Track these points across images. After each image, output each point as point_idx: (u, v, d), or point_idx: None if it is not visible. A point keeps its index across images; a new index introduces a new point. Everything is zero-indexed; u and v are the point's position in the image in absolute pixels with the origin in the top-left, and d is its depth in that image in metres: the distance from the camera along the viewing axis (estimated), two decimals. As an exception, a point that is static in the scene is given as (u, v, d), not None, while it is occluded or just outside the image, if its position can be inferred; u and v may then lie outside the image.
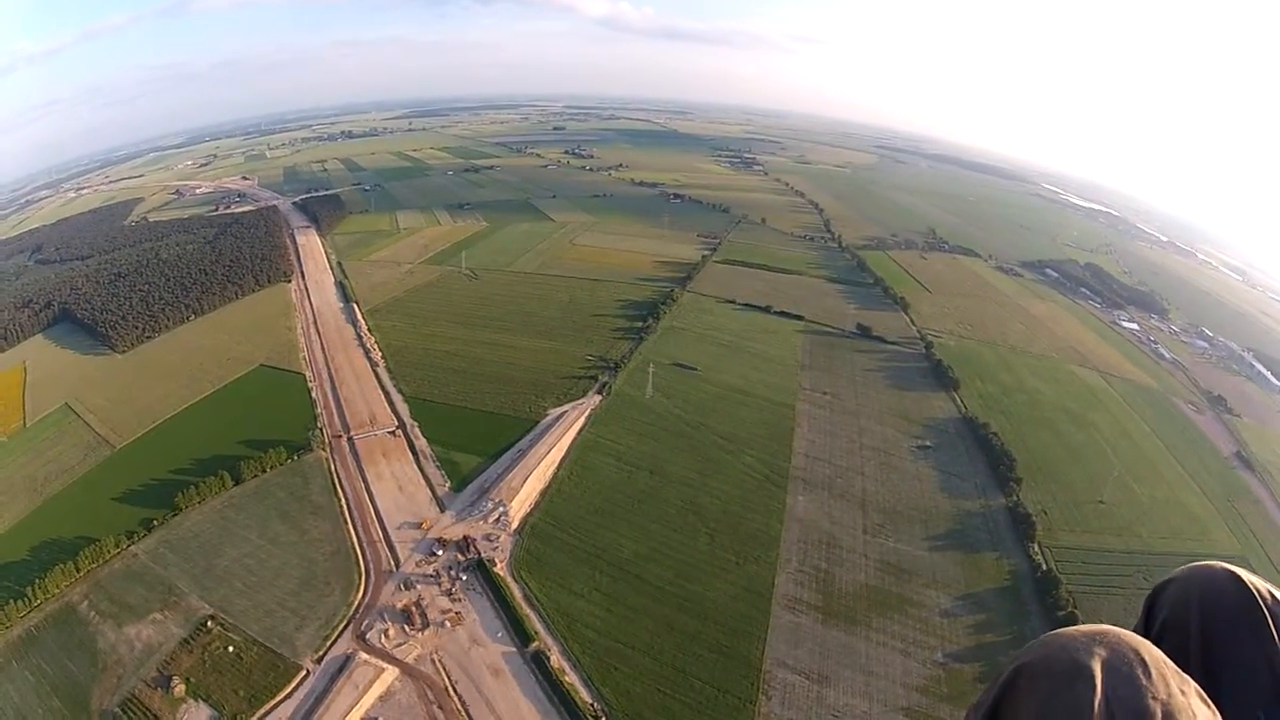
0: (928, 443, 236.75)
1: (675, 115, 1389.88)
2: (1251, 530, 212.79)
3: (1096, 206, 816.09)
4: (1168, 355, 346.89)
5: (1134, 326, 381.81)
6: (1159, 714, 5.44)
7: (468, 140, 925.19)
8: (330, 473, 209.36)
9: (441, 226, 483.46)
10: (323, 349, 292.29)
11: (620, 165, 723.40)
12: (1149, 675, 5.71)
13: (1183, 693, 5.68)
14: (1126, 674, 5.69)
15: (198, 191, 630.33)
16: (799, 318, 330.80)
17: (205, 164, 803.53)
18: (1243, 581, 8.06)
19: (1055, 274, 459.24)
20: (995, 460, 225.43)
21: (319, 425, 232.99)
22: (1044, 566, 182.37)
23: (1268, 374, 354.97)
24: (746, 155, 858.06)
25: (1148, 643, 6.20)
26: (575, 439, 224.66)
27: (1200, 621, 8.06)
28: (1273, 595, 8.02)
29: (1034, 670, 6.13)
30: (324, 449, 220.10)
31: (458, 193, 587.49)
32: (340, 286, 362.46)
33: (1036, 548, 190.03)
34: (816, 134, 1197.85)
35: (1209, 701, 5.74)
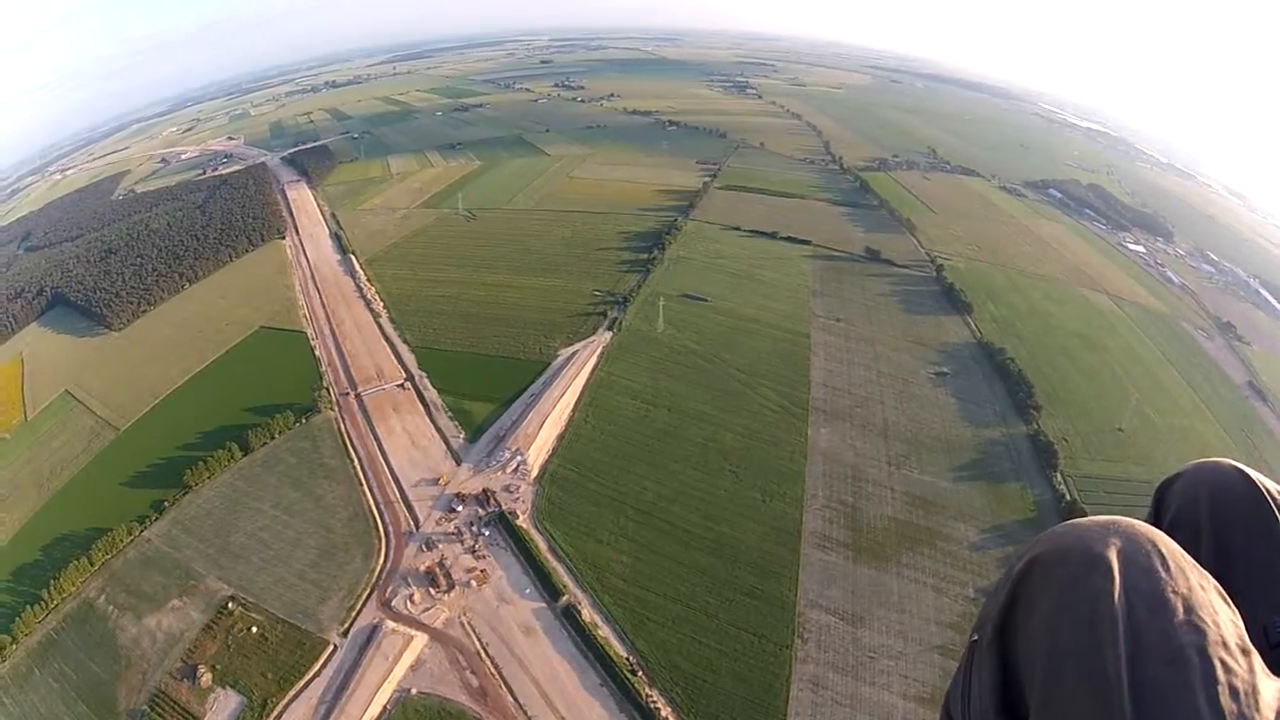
0: (945, 369, 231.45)
1: (664, 43, 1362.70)
2: (1267, 462, 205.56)
3: (1095, 126, 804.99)
4: (1175, 279, 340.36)
5: (1140, 249, 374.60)
6: (1179, 608, 5.30)
7: (455, 80, 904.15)
8: (340, 433, 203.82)
9: (434, 168, 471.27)
10: (323, 304, 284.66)
11: (611, 95, 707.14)
12: (1168, 568, 5.55)
13: (1202, 588, 5.52)
14: (1145, 565, 5.55)
15: (183, 157, 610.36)
16: (806, 242, 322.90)
17: (189, 129, 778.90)
18: (1250, 478, 7.60)
19: (1059, 194, 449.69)
20: (1013, 386, 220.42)
21: (325, 384, 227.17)
22: (1068, 496, 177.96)
23: (1274, 301, 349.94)
24: (739, 79, 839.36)
25: (1164, 535, 5.96)
26: (589, 379, 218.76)
27: (1211, 518, 7.70)
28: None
29: (1049, 561, 5.88)
30: (332, 409, 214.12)
31: (448, 133, 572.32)
32: (336, 238, 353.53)
33: (1059, 477, 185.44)
34: (809, 56, 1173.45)
35: (1228, 600, 5.58)
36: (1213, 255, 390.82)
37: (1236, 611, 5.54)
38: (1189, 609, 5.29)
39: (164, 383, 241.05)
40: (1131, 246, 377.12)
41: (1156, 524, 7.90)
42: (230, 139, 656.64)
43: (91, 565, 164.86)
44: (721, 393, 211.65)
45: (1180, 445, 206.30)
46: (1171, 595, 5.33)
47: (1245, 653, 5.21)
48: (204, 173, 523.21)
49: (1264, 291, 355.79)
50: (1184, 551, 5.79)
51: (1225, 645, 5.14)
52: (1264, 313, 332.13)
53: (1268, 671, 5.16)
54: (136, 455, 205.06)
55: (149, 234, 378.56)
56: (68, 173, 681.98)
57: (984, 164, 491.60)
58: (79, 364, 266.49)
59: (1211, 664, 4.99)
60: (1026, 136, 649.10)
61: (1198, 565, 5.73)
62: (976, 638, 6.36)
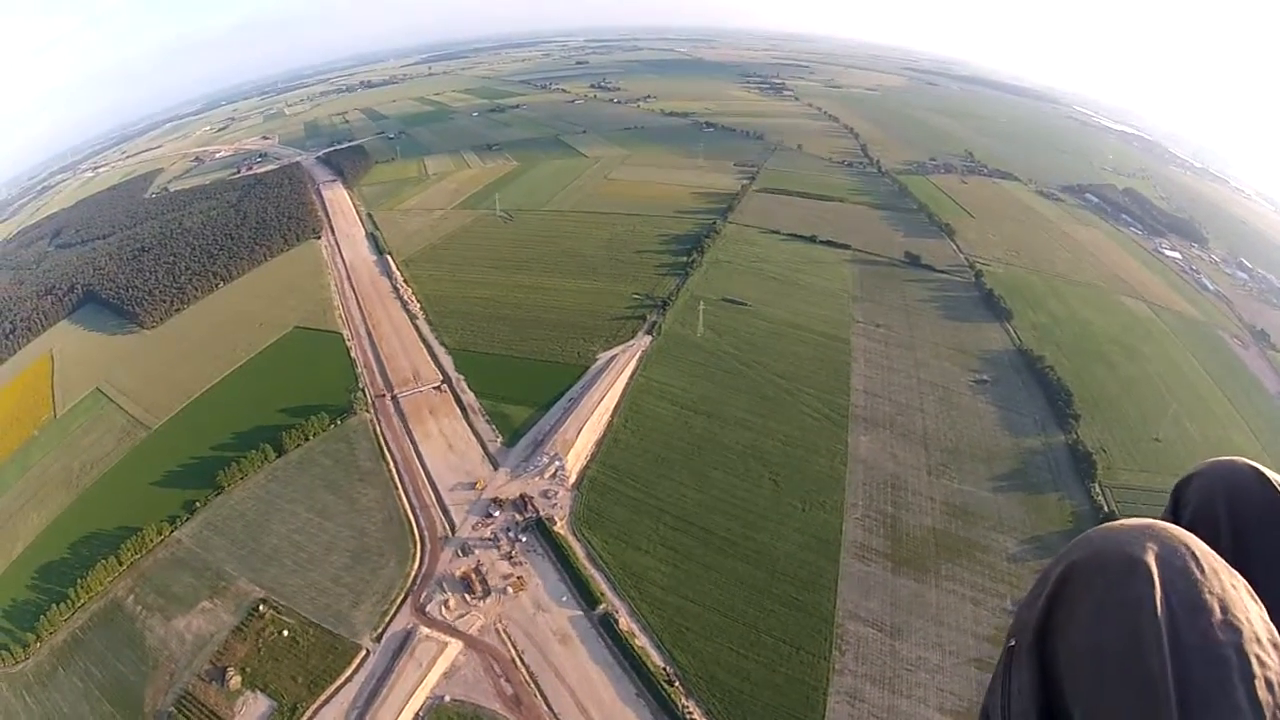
0: (985, 376, 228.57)
1: (699, 43, 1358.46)
2: None
3: (1128, 129, 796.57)
4: (1210, 286, 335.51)
5: (1177, 255, 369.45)
6: (1216, 608, 5.47)
7: (490, 80, 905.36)
8: (376, 435, 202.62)
9: (471, 169, 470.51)
10: (359, 305, 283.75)
11: (648, 96, 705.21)
12: (1202, 570, 5.73)
13: (1234, 587, 5.73)
14: (1180, 567, 5.71)
15: (217, 156, 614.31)
16: (846, 247, 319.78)
17: (224, 128, 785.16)
18: (1265, 477, 7.66)
19: (1095, 199, 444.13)
20: (1052, 395, 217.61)
21: (360, 386, 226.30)
22: (1106, 508, 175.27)
23: None
24: (775, 81, 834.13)
25: (1194, 537, 6.09)
26: (628, 384, 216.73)
27: (1229, 516, 7.65)
28: None
29: (1087, 567, 5.98)
30: (367, 410, 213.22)
31: (485, 134, 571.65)
32: (372, 239, 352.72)
33: (1097, 488, 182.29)
34: (844, 57, 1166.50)
35: (1257, 599, 5.79)
36: (1246, 262, 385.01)
37: (1264, 608, 5.74)
38: (1224, 608, 5.47)
39: (197, 382, 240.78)
40: (1168, 253, 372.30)
41: (1175, 521, 7.78)
42: (265, 138, 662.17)
43: (120, 565, 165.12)
44: (761, 399, 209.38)
45: (1216, 456, 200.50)
46: (1208, 596, 5.52)
47: (1277, 647, 5.42)
48: (238, 172, 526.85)
49: None
50: (1213, 552, 5.96)
51: (1259, 641, 5.35)
52: None
53: None
54: (168, 454, 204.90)
55: (182, 232, 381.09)
56: (100, 170, 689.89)
57: (1020, 168, 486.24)
58: (110, 362, 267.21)
59: (1248, 660, 5.20)
60: (1061, 140, 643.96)
61: (1228, 565, 5.92)
62: (1014, 643, 6.42)
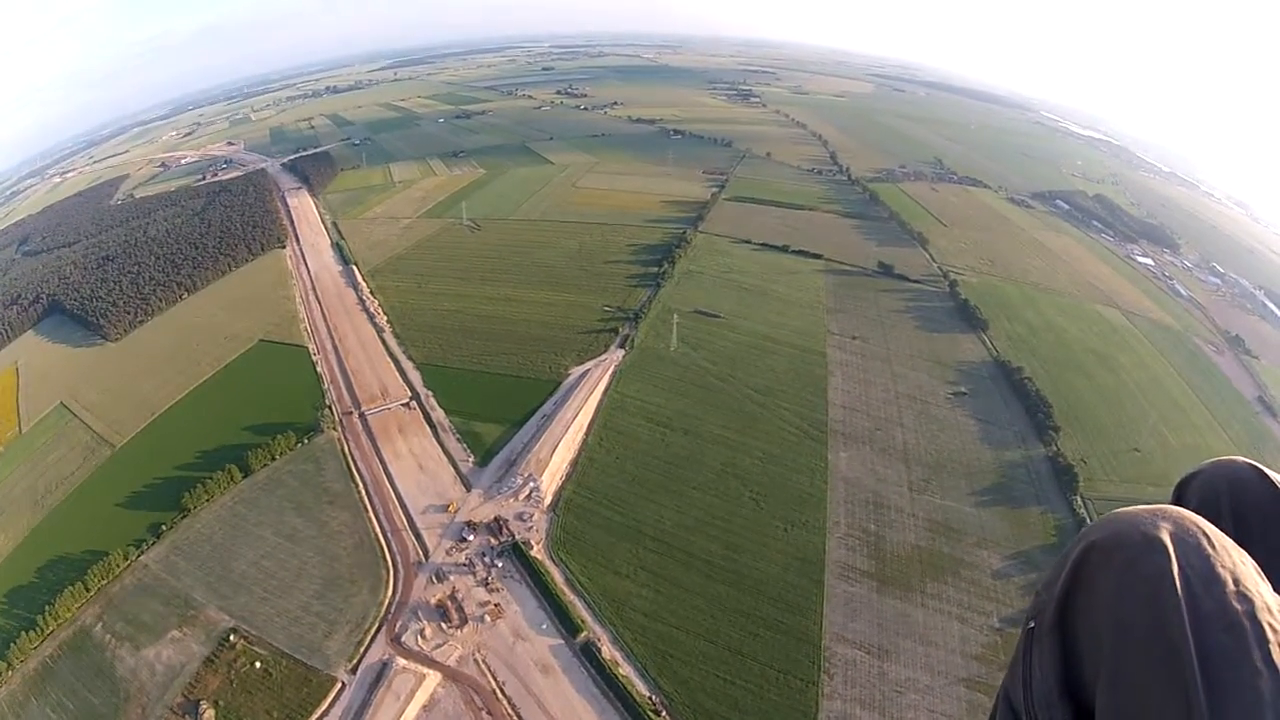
0: (963, 389, 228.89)
1: (666, 49, 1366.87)
2: None
3: (1097, 135, 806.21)
4: (1184, 292, 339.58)
5: (1149, 262, 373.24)
6: (1229, 580, 5.80)
7: (456, 86, 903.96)
8: (344, 455, 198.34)
9: (437, 177, 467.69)
10: (324, 317, 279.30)
11: (615, 103, 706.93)
12: (1214, 546, 6.03)
13: (1243, 563, 6.03)
14: (1194, 544, 6.00)
15: (183, 161, 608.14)
16: (818, 257, 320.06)
17: (190, 133, 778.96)
18: (1265, 474, 8.07)
19: (1066, 205, 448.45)
20: (1032, 407, 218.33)
21: (327, 403, 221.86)
22: (1089, 520, 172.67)
23: (1279, 312, 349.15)
24: (742, 87, 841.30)
25: (1203, 519, 6.37)
26: (602, 400, 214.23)
27: (1231, 509, 7.99)
28: None
29: (1106, 545, 6.23)
30: (335, 429, 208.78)
31: (451, 140, 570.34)
32: (337, 248, 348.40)
33: (1079, 500, 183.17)
34: (810, 63, 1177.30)
35: (1263, 575, 6.09)
36: (1219, 267, 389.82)
37: (1270, 583, 6.01)
38: (1237, 580, 5.79)
39: (161, 398, 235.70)
40: (1140, 259, 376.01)
41: None
42: (230, 144, 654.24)
43: (87, 591, 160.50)
44: (738, 414, 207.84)
45: (1195, 464, 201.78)
46: (1221, 569, 5.82)
47: None
48: (204, 178, 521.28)
49: (1269, 303, 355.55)
50: (1221, 532, 6.23)
51: (1270, 610, 5.67)
52: (1270, 325, 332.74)
53: None
54: (133, 474, 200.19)
55: (147, 241, 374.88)
56: (68, 175, 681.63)
57: (990, 174, 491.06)
58: (75, 375, 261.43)
59: (1261, 627, 5.52)
60: (1030, 146, 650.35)
61: (1236, 544, 6.20)
62: (1034, 625, 6.68)
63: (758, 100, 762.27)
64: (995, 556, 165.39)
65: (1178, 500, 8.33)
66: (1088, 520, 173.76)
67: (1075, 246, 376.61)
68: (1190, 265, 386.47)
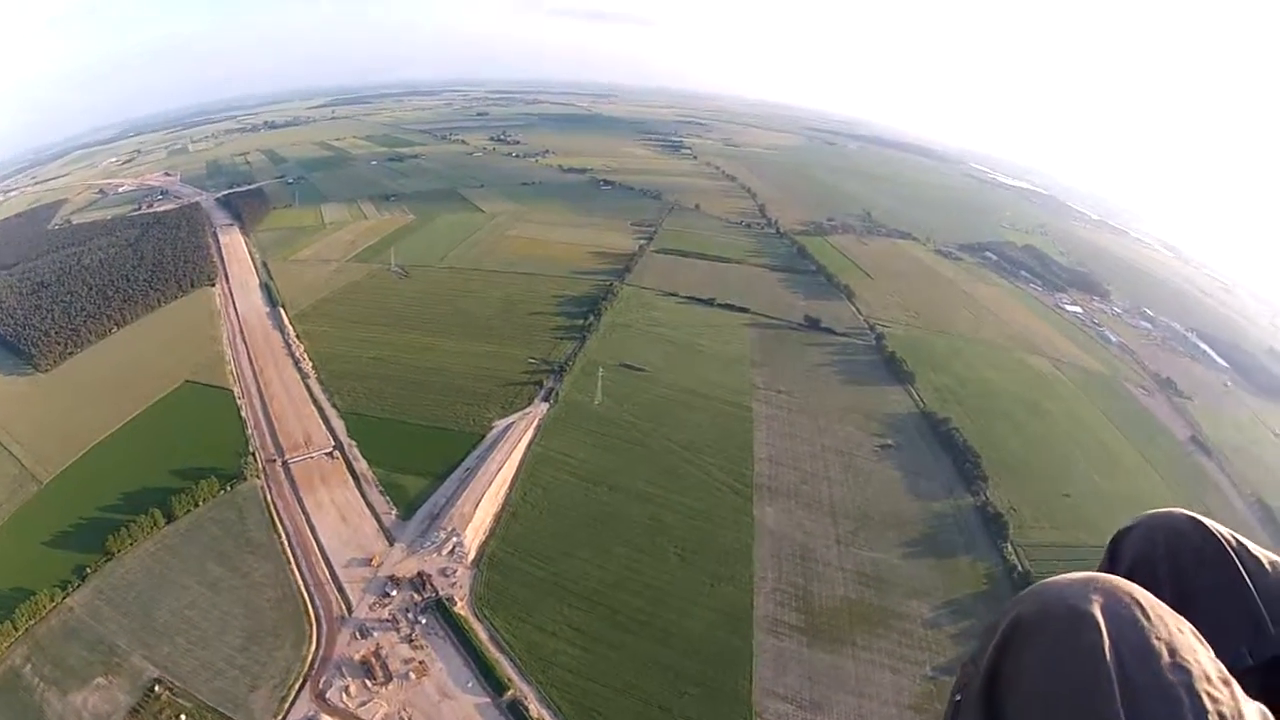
0: (889, 441, 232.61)
1: (600, 98, 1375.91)
2: (1215, 518, 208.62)
3: (1026, 185, 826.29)
4: (1114, 338, 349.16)
5: (1078, 310, 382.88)
6: (1164, 651, 5.74)
7: (391, 128, 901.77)
8: (267, 504, 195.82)
9: (368, 220, 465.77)
10: (250, 360, 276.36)
11: (547, 151, 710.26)
12: (1149, 617, 5.98)
13: (1180, 631, 5.98)
14: (1128, 616, 5.96)
15: (121, 190, 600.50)
16: (745, 310, 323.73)
17: (129, 160, 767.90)
18: (1202, 524, 8.37)
19: (994, 256, 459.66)
20: (959, 457, 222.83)
21: (251, 449, 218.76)
22: (1020, 567, 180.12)
23: (1212, 353, 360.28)
24: (674, 139, 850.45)
25: (1137, 586, 6.40)
26: (525, 454, 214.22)
27: (1169, 562, 8.26)
28: (1235, 537, 8.31)
29: (1033, 621, 6.20)
30: (258, 476, 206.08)
31: (383, 183, 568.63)
32: (265, 289, 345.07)
33: (1010, 548, 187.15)
34: (742, 116, 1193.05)
35: (1203, 640, 6.04)
36: (1149, 311, 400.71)
37: (1210, 648, 5.98)
38: (1173, 651, 5.72)
39: (88, 433, 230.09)
40: (1069, 307, 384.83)
41: (1112, 572, 8.07)
42: (167, 174, 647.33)
43: (16, 630, 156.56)
44: (663, 470, 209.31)
45: (1129, 508, 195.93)
46: (1156, 642, 5.76)
47: (1226, 683, 5.66)
48: (139, 208, 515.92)
49: (1202, 344, 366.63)
50: (1157, 599, 6.25)
51: (1209, 679, 5.59)
52: (1203, 366, 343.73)
53: (1246, 696, 5.63)
54: (59, 512, 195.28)
55: (81, 270, 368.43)
56: (10, 194, 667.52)
57: (919, 226, 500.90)
58: (5, 405, 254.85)
59: (1199, 697, 5.43)
60: (959, 198, 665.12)
61: (1173, 611, 6.21)
62: (959, 697, 6.63)
63: (689, 152, 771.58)
64: (926, 606, 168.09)
65: (1112, 555, 8.81)
66: (1020, 566, 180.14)
67: (1004, 297, 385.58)
68: (1120, 311, 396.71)
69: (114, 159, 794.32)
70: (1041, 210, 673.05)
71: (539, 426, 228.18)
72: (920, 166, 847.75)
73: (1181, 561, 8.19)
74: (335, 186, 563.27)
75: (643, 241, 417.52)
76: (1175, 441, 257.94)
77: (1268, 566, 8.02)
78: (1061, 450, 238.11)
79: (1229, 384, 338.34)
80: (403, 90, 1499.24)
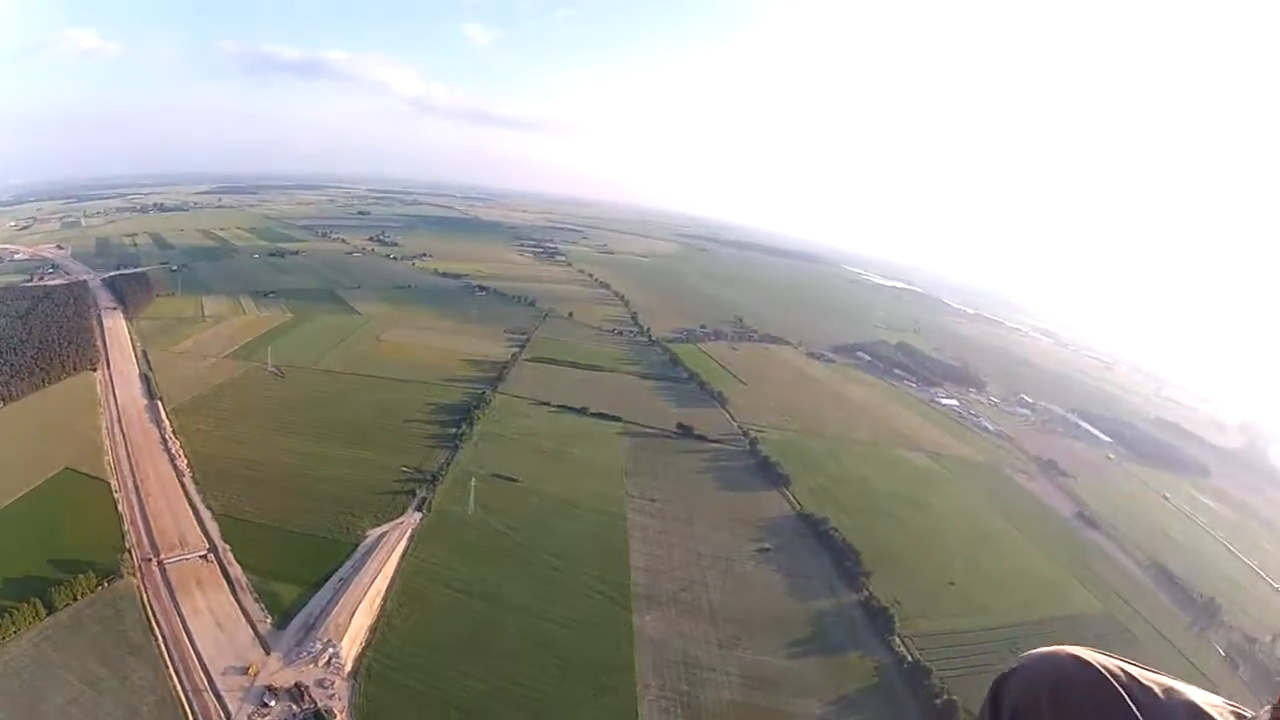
0: (767, 545, 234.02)
1: (477, 202, 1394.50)
2: (1109, 585, 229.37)
3: (899, 285, 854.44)
4: (992, 427, 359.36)
5: (953, 403, 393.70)
6: None
7: (274, 221, 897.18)
8: (144, 605, 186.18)
9: (247, 315, 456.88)
10: (128, 453, 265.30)
11: (424, 254, 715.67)
12: None
13: None
14: None
15: (15, 257, 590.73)
16: (617, 419, 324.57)
17: (25, 227, 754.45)
18: (1089, 663, 8.13)
19: (868, 356, 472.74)
20: (839, 556, 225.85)
21: (127, 546, 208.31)
22: (909, 657, 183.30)
23: (1095, 431, 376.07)
24: (549, 245, 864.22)
25: None
26: (400, 564, 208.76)
27: (1053, 706, 8.04)
28: (1124, 671, 8.10)
29: None
30: (134, 574, 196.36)
31: (264, 278, 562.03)
32: (145, 380, 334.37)
33: (898, 640, 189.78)
34: (617, 222, 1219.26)
35: None
36: (1027, 397, 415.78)
37: None
38: None
39: None
40: (944, 401, 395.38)
41: (995, 717, 8.30)
42: (59, 248, 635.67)
43: None
44: (540, 580, 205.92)
45: (1017, 588, 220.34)
46: None
47: None
48: (31, 279, 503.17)
49: (1083, 423, 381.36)
50: None
51: None
52: (1085, 444, 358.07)
53: None
54: None
55: None
56: None
57: (791, 331, 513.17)
58: None
59: None
60: (832, 300, 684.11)
61: None
62: None
63: (564, 259, 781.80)
64: (816, 704, 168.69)
65: (994, 699, 8.43)
66: (908, 657, 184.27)
67: (877, 396, 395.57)
68: (997, 400, 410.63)
69: (13, 223, 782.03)
70: (916, 308, 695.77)
71: (413, 536, 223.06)
72: (794, 270, 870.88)
73: (1067, 705, 7.85)
74: (217, 278, 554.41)
75: (515, 349, 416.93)
76: (1061, 519, 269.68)
77: (1160, 694, 7.79)
78: (943, 540, 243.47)
79: (1111, 456, 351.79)
80: (289, 183, 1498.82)
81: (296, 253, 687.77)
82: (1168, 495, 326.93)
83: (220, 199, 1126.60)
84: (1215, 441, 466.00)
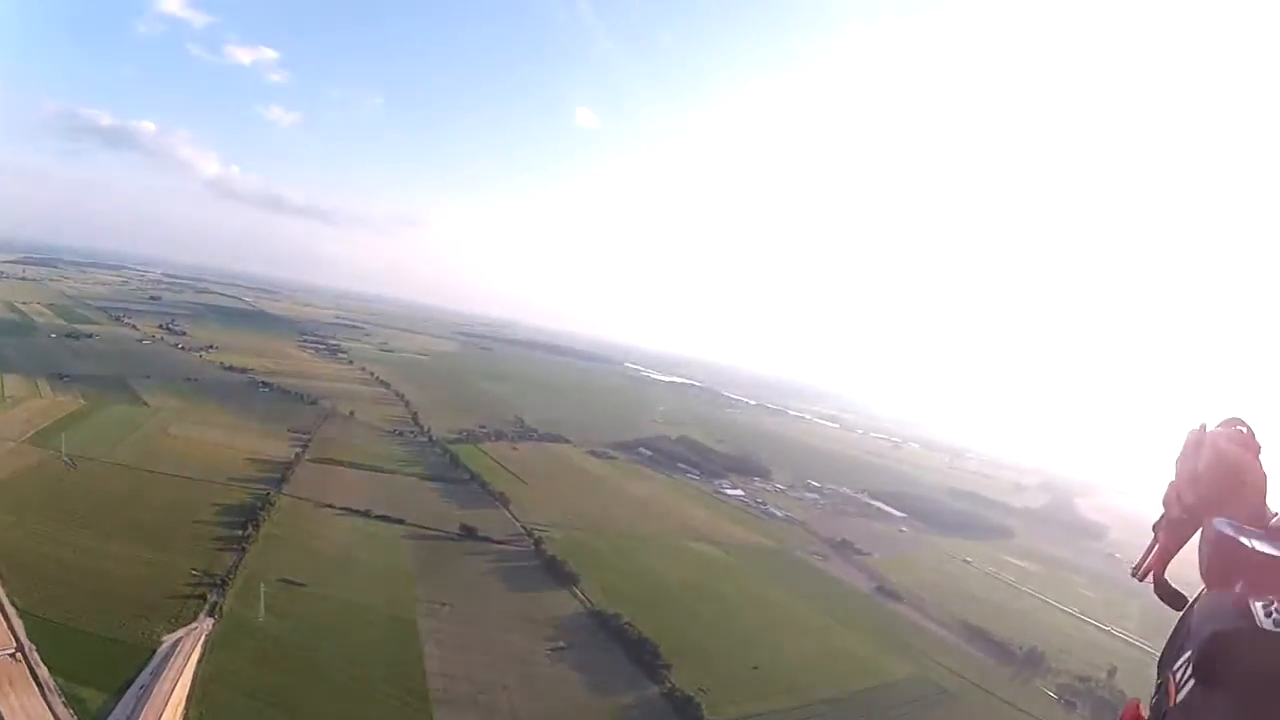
0: (562, 643, 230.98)
1: (265, 294, 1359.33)
2: (919, 651, 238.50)
3: (680, 380, 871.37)
4: (780, 514, 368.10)
5: (739, 492, 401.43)
6: None
7: (74, 300, 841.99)
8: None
9: (43, 399, 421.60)
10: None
11: (211, 346, 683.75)
12: None
13: None
14: None
15: None
16: (401, 521, 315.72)
17: None
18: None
19: (649, 452, 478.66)
20: (637, 650, 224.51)
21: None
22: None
23: (888, 508, 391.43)
24: (332, 341, 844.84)
25: None
26: (196, 672, 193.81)
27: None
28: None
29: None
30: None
31: (60, 361, 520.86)
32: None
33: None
34: (400, 319, 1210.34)
35: None
36: (814, 482, 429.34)
37: None
38: None
39: None
40: (730, 491, 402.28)
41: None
42: None
43: None
44: (336, 689, 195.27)
45: (824, 665, 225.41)
46: None
47: None
48: None
49: (875, 502, 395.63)
50: None
51: None
52: (879, 522, 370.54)
53: None
54: None
55: None
56: None
57: (572, 429, 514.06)
58: None
59: None
60: (613, 397, 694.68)
61: None
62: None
63: (345, 356, 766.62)
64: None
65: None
66: None
67: (662, 490, 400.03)
68: (784, 487, 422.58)
69: None
70: (696, 401, 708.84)
71: (207, 643, 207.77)
72: (574, 368, 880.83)
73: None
74: (16, 356, 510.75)
75: (299, 449, 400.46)
76: (861, 595, 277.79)
77: None
78: (743, 627, 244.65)
79: (906, 530, 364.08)
80: (90, 259, 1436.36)
81: (91, 335, 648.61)
82: (969, 560, 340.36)
83: (24, 270, 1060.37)
84: (1016, 504, 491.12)
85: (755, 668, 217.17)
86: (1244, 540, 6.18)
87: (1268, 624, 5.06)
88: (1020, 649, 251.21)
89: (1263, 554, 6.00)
